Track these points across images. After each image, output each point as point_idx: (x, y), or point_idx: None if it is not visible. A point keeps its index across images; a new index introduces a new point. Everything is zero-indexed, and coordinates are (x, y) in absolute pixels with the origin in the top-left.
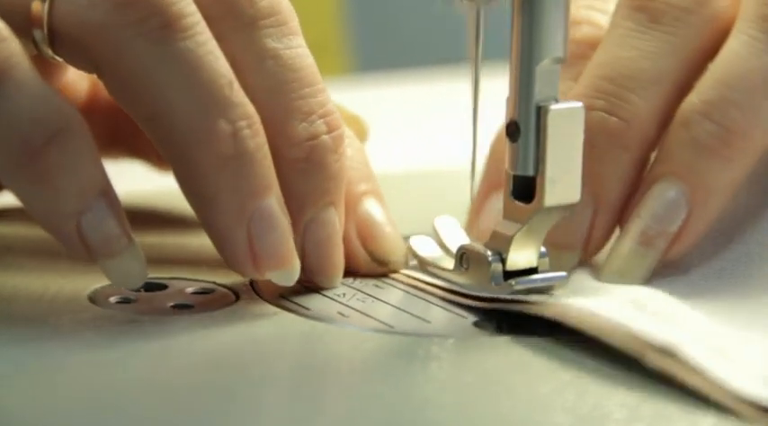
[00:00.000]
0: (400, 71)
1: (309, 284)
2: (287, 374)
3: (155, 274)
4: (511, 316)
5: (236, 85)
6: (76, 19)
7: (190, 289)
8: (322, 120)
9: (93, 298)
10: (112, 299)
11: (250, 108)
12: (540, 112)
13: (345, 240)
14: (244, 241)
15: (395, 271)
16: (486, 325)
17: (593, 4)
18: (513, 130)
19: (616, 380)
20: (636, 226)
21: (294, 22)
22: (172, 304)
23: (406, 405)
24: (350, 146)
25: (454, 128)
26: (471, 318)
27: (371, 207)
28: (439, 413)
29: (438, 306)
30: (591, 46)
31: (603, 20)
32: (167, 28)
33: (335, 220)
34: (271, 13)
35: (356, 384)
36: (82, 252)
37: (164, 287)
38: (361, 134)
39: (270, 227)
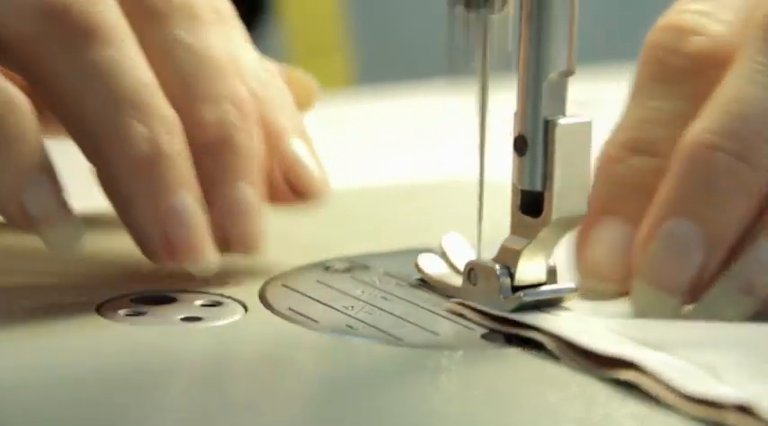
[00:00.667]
0: (407, 81)
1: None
2: (295, 386)
3: (163, 287)
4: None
5: (159, 92)
6: (3, 27)
7: (199, 302)
8: (232, 105)
9: (102, 311)
10: (121, 312)
11: (169, 111)
12: (548, 127)
13: (267, 173)
14: (159, 236)
15: (316, 200)
16: (494, 337)
17: (704, 9)
18: (520, 145)
19: (626, 391)
20: (740, 271)
21: (208, 14)
22: (181, 316)
23: (414, 418)
24: (279, 94)
25: (462, 140)
26: (480, 330)
27: (295, 143)
28: (447, 425)
29: (446, 318)
30: (707, 62)
31: (719, 29)
32: (89, 37)
33: (249, 195)
34: (183, 7)
35: (364, 396)
36: (23, 224)
37: (173, 299)
38: (307, 98)
39: (182, 222)
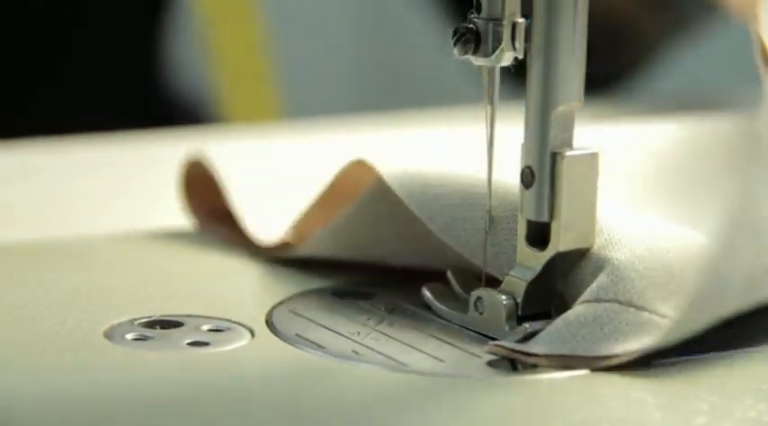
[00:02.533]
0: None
1: None
2: (300, 412)
3: (171, 311)
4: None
5: None
6: None
7: (206, 327)
8: None
9: (109, 335)
10: (128, 336)
11: None
12: (555, 159)
13: None
14: None
15: None
16: (499, 365)
17: None
18: (527, 176)
19: (629, 421)
20: None
21: None
22: (188, 341)
23: None
24: None
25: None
26: (485, 357)
27: None
28: None
29: (452, 345)
30: None
31: None
32: None
33: None
34: None
35: (370, 423)
36: None
37: (179, 324)
38: None
39: None
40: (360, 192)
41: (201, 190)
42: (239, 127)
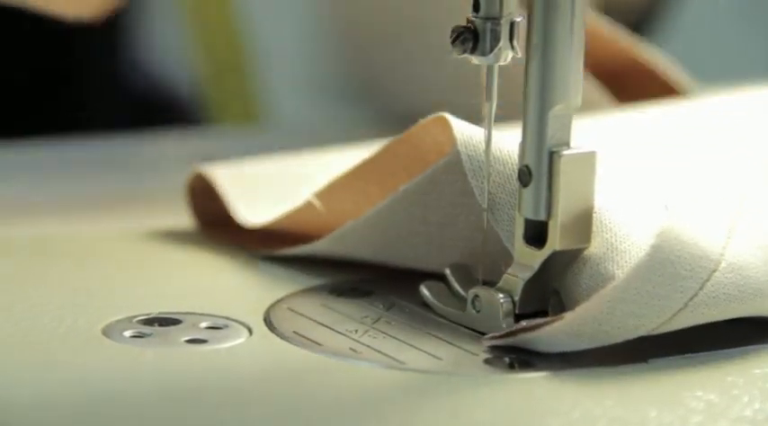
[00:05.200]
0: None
1: None
2: (297, 410)
3: (169, 309)
4: (522, 354)
5: None
6: None
7: (203, 324)
8: None
9: (107, 332)
10: (126, 333)
11: None
12: (553, 158)
13: None
14: None
15: None
16: (497, 363)
17: None
18: (525, 175)
19: (626, 419)
20: None
21: None
22: (186, 338)
23: None
24: None
25: None
26: (482, 355)
27: None
28: None
29: (449, 343)
30: None
31: None
32: None
33: None
34: None
35: (366, 420)
36: None
37: (178, 322)
38: None
39: None
40: (404, 168)
41: (205, 201)
42: (224, 126)
